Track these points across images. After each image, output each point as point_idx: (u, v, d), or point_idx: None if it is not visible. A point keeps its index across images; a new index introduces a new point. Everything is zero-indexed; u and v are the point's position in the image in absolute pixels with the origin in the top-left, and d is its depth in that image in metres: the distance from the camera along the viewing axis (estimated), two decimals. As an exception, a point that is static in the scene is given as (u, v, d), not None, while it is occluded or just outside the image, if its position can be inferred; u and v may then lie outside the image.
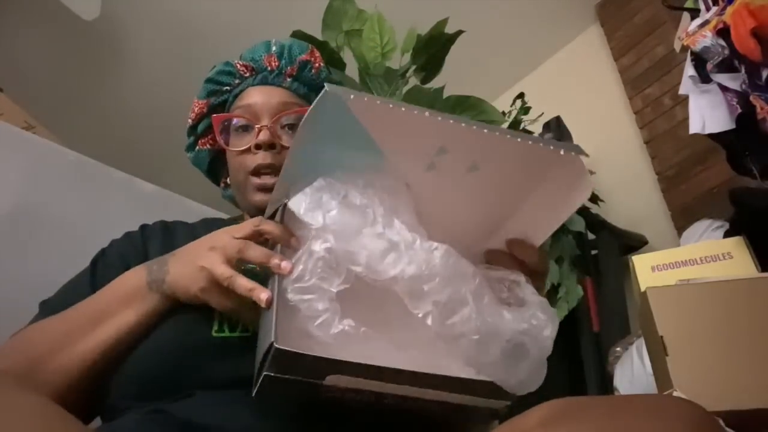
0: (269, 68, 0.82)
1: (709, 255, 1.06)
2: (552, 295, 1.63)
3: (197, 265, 0.56)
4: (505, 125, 1.87)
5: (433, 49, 1.49)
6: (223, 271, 0.53)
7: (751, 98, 0.96)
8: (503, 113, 1.68)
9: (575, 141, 2.07)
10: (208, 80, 0.83)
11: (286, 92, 0.81)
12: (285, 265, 0.50)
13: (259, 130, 0.76)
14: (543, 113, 2.01)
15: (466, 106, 1.51)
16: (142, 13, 2.22)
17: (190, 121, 0.85)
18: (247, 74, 0.82)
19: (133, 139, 2.54)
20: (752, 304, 0.91)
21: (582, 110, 2.31)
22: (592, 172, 2.18)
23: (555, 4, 2.45)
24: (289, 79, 0.82)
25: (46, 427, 0.41)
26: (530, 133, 2.00)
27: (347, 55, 1.58)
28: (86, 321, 0.59)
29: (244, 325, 0.59)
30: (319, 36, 1.52)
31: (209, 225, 0.79)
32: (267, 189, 0.74)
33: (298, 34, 1.44)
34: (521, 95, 1.98)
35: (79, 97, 2.40)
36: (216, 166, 0.89)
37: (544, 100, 2.05)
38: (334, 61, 1.52)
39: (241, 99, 0.80)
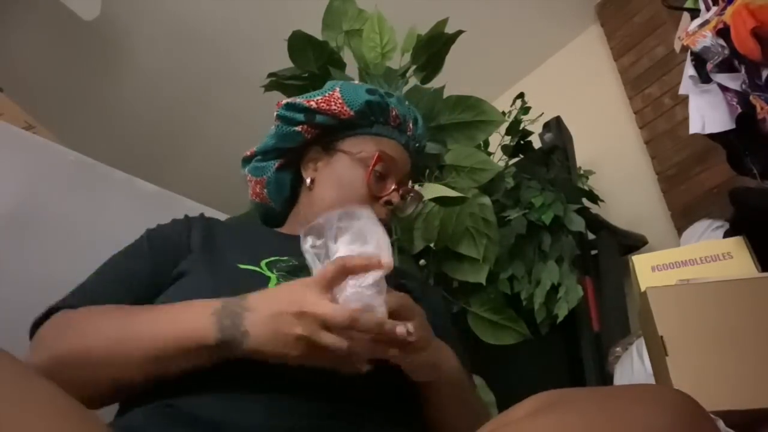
0: (409, 133, 0.89)
1: (709, 255, 1.06)
2: (552, 295, 1.63)
3: (292, 335, 0.53)
4: (505, 125, 1.87)
5: (433, 49, 1.49)
6: (335, 341, 0.52)
7: (751, 98, 0.96)
8: (503, 113, 1.68)
9: (575, 141, 2.08)
10: (369, 102, 0.84)
11: (410, 162, 0.89)
12: (401, 330, 0.54)
13: (395, 190, 0.83)
14: (543, 113, 2.00)
15: (466, 106, 1.51)
16: (142, 13, 2.22)
17: (313, 103, 0.84)
18: (394, 125, 0.87)
19: (133, 139, 2.54)
20: (752, 304, 0.91)
21: (582, 110, 2.31)
22: (592, 172, 2.19)
23: (555, 4, 2.45)
24: (414, 152, 0.91)
25: (65, 422, 0.42)
26: (530, 133, 2.00)
27: (347, 55, 1.58)
28: (144, 346, 0.57)
29: None
30: (319, 36, 1.52)
31: (247, 227, 0.84)
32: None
33: (298, 34, 1.44)
34: (521, 95, 1.98)
35: (79, 97, 2.40)
36: (288, 150, 0.88)
37: (544, 100, 2.05)
38: (334, 61, 1.52)
39: (385, 144, 0.85)
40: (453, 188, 1.35)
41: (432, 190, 1.33)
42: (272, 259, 0.72)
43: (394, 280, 0.70)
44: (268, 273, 0.69)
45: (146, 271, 0.71)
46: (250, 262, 0.70)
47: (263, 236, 0.86)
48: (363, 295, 0.53)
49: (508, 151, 2.00)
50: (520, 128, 1.97)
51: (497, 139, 1.94)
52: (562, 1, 2.45)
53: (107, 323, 0.61)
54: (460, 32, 1.48)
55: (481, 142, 1.71)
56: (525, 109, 1.96)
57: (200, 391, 0.55)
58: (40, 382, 0.44)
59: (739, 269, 1.02)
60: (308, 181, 0.86)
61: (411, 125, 0.89)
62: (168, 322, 0.58)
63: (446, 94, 1.54)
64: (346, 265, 0.54)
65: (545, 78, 2.68)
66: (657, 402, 0.39)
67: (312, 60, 1.48)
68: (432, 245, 1.48)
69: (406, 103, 0.92)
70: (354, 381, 0.56)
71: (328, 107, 0.83)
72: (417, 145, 0.92)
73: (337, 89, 0.84)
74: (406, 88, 1.59)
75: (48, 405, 0.42)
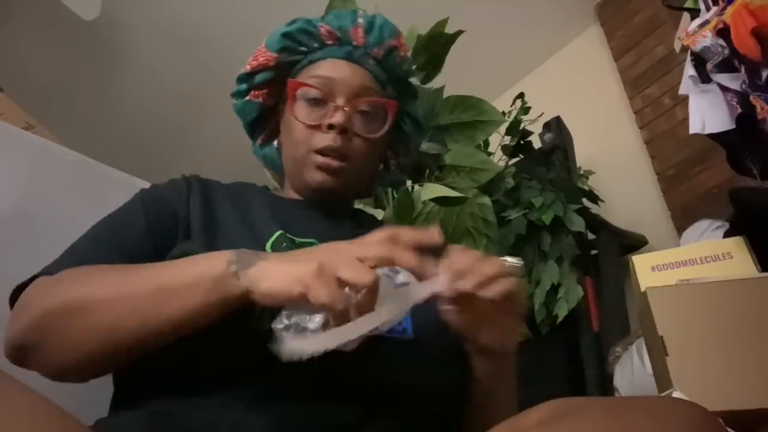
0: (355, 42, 0.76)
1: (709, 255, 1.06)
2: (552, 295, 1.63)
3: (310, 265, 0.46)
4: (505, 125, 1.87)
5: (433, 49, 1.49)
6: (356, 276, 0.45)
7: (751, 98, 0.96)
8: (503, 113, 1.68)
9: (575, 141, 2.08)
10: (285, 34, 0.77)
11: (368, 75, 0.75)
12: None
13: (336, 110, 0.71)
14: (543, 113, 2.01)
15: (466, 106, 1.51)
16: (142, 13, 2.22)
17: (248, 67, 0.79)
18: (331, 42, 0.76)
19: (133, 139, 2.54)
20: (752, 304, 0.91)
21: (582, 110, 2.31)
22: (592, 172, 2.19)
23: (555, 4, 2.45)
24: (372, 61, 0.77)
25: (43, 428, 0.40)
26: (530, 133, 2.00)
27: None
28: (154, 290, 0.51)
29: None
30: (319, 36, 1.52)
31: (246, 195, 0.74)
32: (328, 171, 0.71)
33: (298, 34, 1.44)
34: (521, 95, 1.98)
35: (79, 97, 2.40)
36: (258, 122, 0.83)
37: (544, 100, 2.05)
38: (334, 61, 1.52)
39: (319, 67, 0.75)
40: (453, 188, 1.35)
41: (432, 190, 1.34)
42: (276, 237, 0.64)
43: None
44: None
45: (143, 244, 0.63)
46: (255, 245, 0.61)
47: (264, 207, 0.73)
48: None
49: (508, 151, 2.00)
50: (520, 128, 1.97)
51: (497, 139, 1.94)
52: (562, 1, 2.45)
53: (109, 273, 0.55)
54: (460, 32, 1.48)
55: (481, 142, 1.71)
56: (525, 109, 1.96)
57: (199, 398, 0.50)
58: (15, 385, 0.42)
59: (739, 269, 1.02)
60: (275, 144, 0.83)
61: (361, 34, 0.77)
62: (180, 265, 0.53)
63: (446, 94, 1.54)
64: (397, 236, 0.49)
65: (545, 78, 2.68)
66: (671, 417, 0.38)
67: (312, 60, 1.48)
68: (432, 245, 1.48)
69: (361, 11, 0.80)
70: (361, 391, 0.53)
71: (257, 62, 0.78)
72: (371, 50, 0.77)
73: (264, 41, 0.79)
74: (406, 88, 1.59)
75: (26, 410, 0.40)
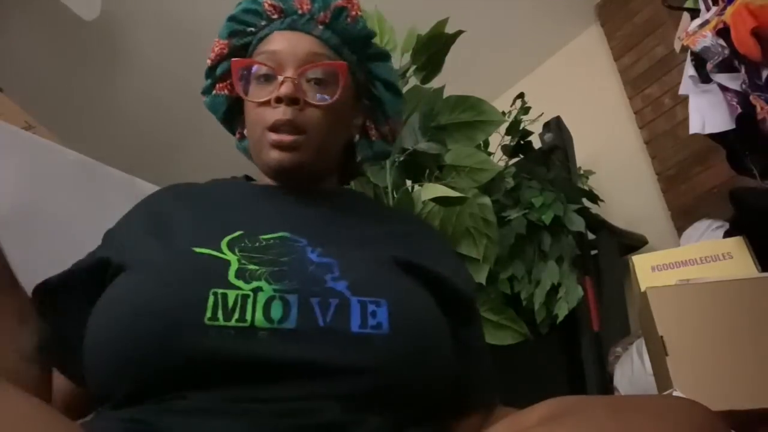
0: (300, 11, 0.73)
1: (709, 255, 1.06)
2: (552, 295, 1.63)
3: None
4: (505, 125, 1.87)
5: (433, 49, 1.49)
6: None
7: (751, 98, 0.96)
8: (503, 113, 1.68)
9: (575, 141, 2.08)
10: (231, 18, 0.76)
11: (315, 41, 0.72)
12: None
13: (282, 82, 0.67)
14: (543, 113, 2.01)
15: (466, 106, 1.51)
16: (142, 13, 2.22)
17: (209, 61, 0.78)
18: (275, 16, 0.74)
19: (133, 139, 2.54)
20: (752, 304, 0.91)
21: (582, 110, 2.31)
22: (592, 172, 2.19)
23: (555, 4, 2.45)
24: (320, 27, 0.73)
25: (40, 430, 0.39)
26: (530, 133, 2.00)
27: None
28: None
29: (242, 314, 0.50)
30: (319, 36, 1.52)
31: (225, 190, 0.72)
32: (283, 147, 0.68)
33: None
34: (521, 95, 1.98)
35: (79, 97, 2.40)
36: (233, 114, 0.81)
37: (544, 100, 2.05)
38: (334, 61, 1.52)
39: (266, 44, 0.72)
40: (453, 188, 1.35)
41: (432, 190, 1.34)
42: (237, 234, 0.59)
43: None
44: (228, 255, 0.56)
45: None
46: (210, 243, 0.57)
47: (237, 201, 0.71)
48: None
49: (508, 151, 2.00)
50: (520, 128, 1.97)
51: (497, 139, 1.94)
52: (562, 1, 2.45)
53: None
54: (460, 32, 1.48)
55: (481, 142, 1.71)
56: (525, 109, 1.96)
57: (180, 400, 0.47)
58: (11, 389, 0.40)
59: (739, 269, 1.02)
60: (240, 134, 0.82)
61: (306, 1, 0.73)
62: None
63: (446, 94, 1.54)
64: None
65: (545, 78, 2.68)
66: (673, 416, 0.38)
67: (312, 60, 1.48)
68: (432, 245, 1.48)
69: None
70: (338, 387, 0.49)
71: (214, 54, 0.77)
72: (317, 15, 0.73)
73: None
74: (406, 88, 1.59)
75: (24, 414, 0.38)
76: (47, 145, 1.03)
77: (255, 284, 0.52)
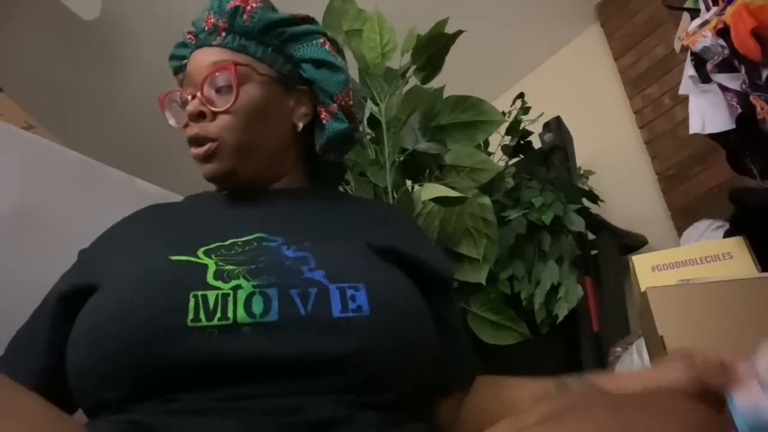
0: (206, 28, 0.73)
1: (709, 255, 1.06)
2: (552, 295, 1.63)
3: None
4: (505, 125, 1.87)
5: (433, 49, 1.49)
6: None
7: (751, 98, 0.96)
8: (503, 113, 1.68)
9: (575, 141, 2.08)
10: (170, 57, 0.79)
11: (217, 50, 0.71)
12: None
13: (189, 101, 0.69)
14: (543, 113, 2.01)
15: (466, 106, 1.51)
16: (142, 13, 2.22)
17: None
18: (193, 40, 0.75)
19: (133, 139, 2.54)
20: (752, 304, 0.91)
21: (582, 110, 2.31)
22: (592, 172, 2.19)
23: (555, 4, 2.45)
24: (223, 34, 0.72)
25: (40, 429, 0.40)
26: (530, 133, 2.00)
27: (347, 55, 1.57)
28: None
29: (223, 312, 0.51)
30: (319, 36, 1.52)
31: (206, 205, 0.73)
32: (200, 159, 0.70)
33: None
34: (521, 95, 1.98)
35: (79, 96, 2.40)
36: None
37: (544, 100, 2.05)
38: (334, 61, 1.52)
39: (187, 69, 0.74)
40: (453, 188, 1.35)
41: (432, 190, 1.34)
42: (214, 245, 0.60)
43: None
44: (205, 259, 0.57)
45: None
46: (186, 252, 0.58)
47: (210, 211, 0.73)
48: None
49: (508, 151, 2.00)
50: (520, 128, 1.97)
51: (497, 139, 1.94)
52: (562, 1, 2.45)
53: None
54: (460, 32, 1.48)
55: (481, 142, 1.71)
56: (525, 109, 1.96)
57: (172, 402, 0.48)
58: (12, 387, 0.41)
59: (739, 269, 1.02)
60: None
61: (210, 17, 0.73)
62: None
63: (446, 94, 1.54)
64: None
65: (545, 78, 2.68)
66: (675, 416, 0.38)
67: (312, 60, 1.48)
68: (432, 245, 1.48)
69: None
70: (346, 399, 0.50)
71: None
72: (218, 24, 0.72)
73: None
74: (406, 88, 1.59)
75: (24, 412, 0.39)
76: (47, 145, 1.03)
77: (234, 283, 0.53)
